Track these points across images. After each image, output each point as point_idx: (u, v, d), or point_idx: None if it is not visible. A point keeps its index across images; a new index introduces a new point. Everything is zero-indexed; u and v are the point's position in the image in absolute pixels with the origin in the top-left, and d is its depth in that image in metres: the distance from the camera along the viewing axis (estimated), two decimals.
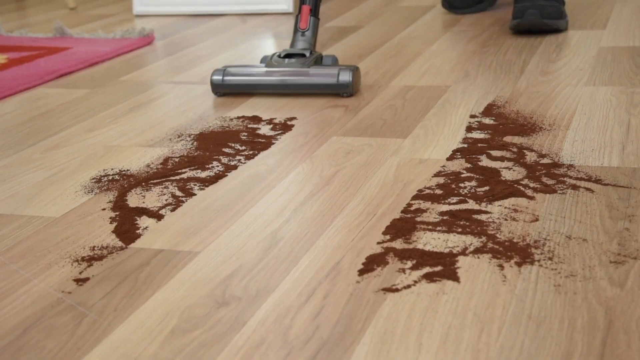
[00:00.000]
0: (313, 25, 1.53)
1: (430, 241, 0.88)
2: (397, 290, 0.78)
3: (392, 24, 2.05)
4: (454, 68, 1.61)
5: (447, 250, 0.86)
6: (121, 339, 0.73)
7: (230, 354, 0.70)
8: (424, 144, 1.19)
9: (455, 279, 0.80)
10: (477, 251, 0.85)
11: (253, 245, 0.90)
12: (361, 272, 0.82)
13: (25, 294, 0.83)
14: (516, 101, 1.37)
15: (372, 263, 0.84)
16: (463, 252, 0.85)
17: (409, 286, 0.79)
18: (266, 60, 1.52)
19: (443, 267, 0.82)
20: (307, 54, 1.49)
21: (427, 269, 0.82)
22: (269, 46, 1.97)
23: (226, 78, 1.49)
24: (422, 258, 0.84)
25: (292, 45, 1.54)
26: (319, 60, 1.51)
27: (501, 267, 0.82)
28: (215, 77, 1.49)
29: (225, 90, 1.50)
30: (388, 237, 0.90)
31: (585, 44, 1.73)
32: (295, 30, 1.54)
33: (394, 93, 1.47)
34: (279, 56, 1.50)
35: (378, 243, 0.89)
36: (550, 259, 0.83)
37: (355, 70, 1.45)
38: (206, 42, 2.03)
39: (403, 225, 0.92)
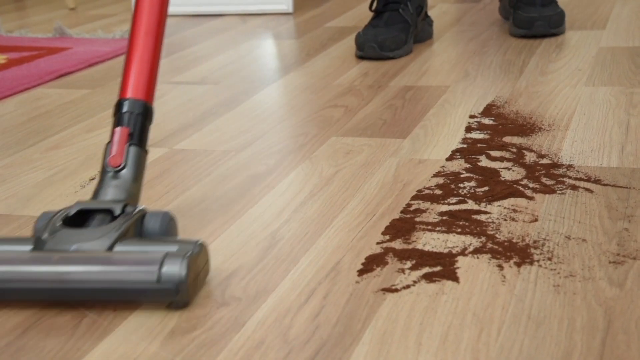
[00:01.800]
0: (135, 159, 0.89)
1: (429, 241, 0.88)
2: (396, 290, 0.78)
3: None
4: (453, 68, 1.62)
5: (446, 251, 0.86)
6: (121, 339, 0.73)
7: (229, 354, 0.70)
8: (423, 144, 1.19)
9: (455, 279, 0.80)
10: (477, 251, 0.85)
11: (253, 246, 0.90)
12: (361, 272, 0.82)
13: None
14: (516, 101, 1.38)
15: (371, 263, 0.84)
16: (462, 252, 0.85)
17: (408, 286, 0.79)
18: (47, 226, 0.82)
19: (442, 267, 0.82)
20: (117, 211, 0.83)
21: (426, 269, 0.82)
22: (269, 46, 1.96)
23: None
24: (422, 258, 0.84)
25: (97, 194, 0.87)
26: (137, 226, 0.83)
27: (500, 267, 0.82)
28: None
29: None
30: (387, 237, 0.90)
31: (584, 44, 1.74)
32: (104, 170, 0.89)
33: (393, 93, 1.47)
34: (64, 219, 0.82)
35: (377, 243, 0.89)
36: (549, 259, 0.83)
37: (194, 254, 0.77)
38: (206, 42, 2.03)
39: (402, 226, 0.92)
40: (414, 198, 1.00)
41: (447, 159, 1.12)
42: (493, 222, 0.92)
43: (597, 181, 1.02)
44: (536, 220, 0.92)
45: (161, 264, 0.75)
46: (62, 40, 2.10)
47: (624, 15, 2.01)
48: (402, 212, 0.96)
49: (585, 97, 1.37)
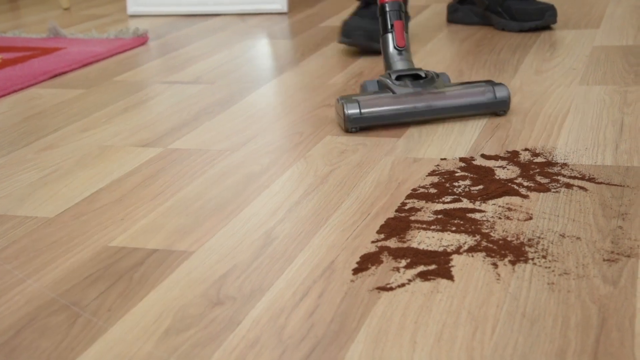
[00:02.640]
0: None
1: (424, 240, 0.88)
2: (391, 289, 0.78)
3: None
4: (448, 67, 1.62)
5: (441, 249, 0.86)
6: (115, 338, 0.73)
7: (224, 354, 0.70)
8: (418, 143, 1.19)
9: (450, 277, 0.80)
10: (471, 250, 0.85)
11: (247, 245, 0.90)
12: (355, 271, 0.82)
13: (19, 294, 0.83)
14: (510, 100, 1.37)
15: (366, 262, 0.84)
16: (457, 251, 0.85)
17: (403, 285, 0.79)
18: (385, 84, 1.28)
19: (437, 265, 0.82)
20: (422, 74, 1.31)
21: (421, 268, 0.82)
22: (263, 46, 1.96)
23: None
24: (417, 257, 0.84)
25: (396, 65, 1.34)
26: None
27: (495, 265, 0.82)
28: None
29: None
30: (382, 236, 0.90)
31: (579, 43, 1.74)
32: (397, 50, 1.36)
33: None
34: (397, 77, 1.28)
35: (372, 242, 0.89)
36: (544, 257, 0.83)
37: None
38: (200, 42, 2.03)
39: (397, 224, 0.92)
40: (408, 197, 1.00)
41: (442, 158, 1.12)
42: (488, 221, 0.92)
43: (591, 179, 1.02)
44: (531, 218, 0.92)
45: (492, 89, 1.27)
46: (56, 41, 2.09)
47: (618, 14, 2.01)
48: (396, 210, 0.96)
49: (580, 96, 1.37)
